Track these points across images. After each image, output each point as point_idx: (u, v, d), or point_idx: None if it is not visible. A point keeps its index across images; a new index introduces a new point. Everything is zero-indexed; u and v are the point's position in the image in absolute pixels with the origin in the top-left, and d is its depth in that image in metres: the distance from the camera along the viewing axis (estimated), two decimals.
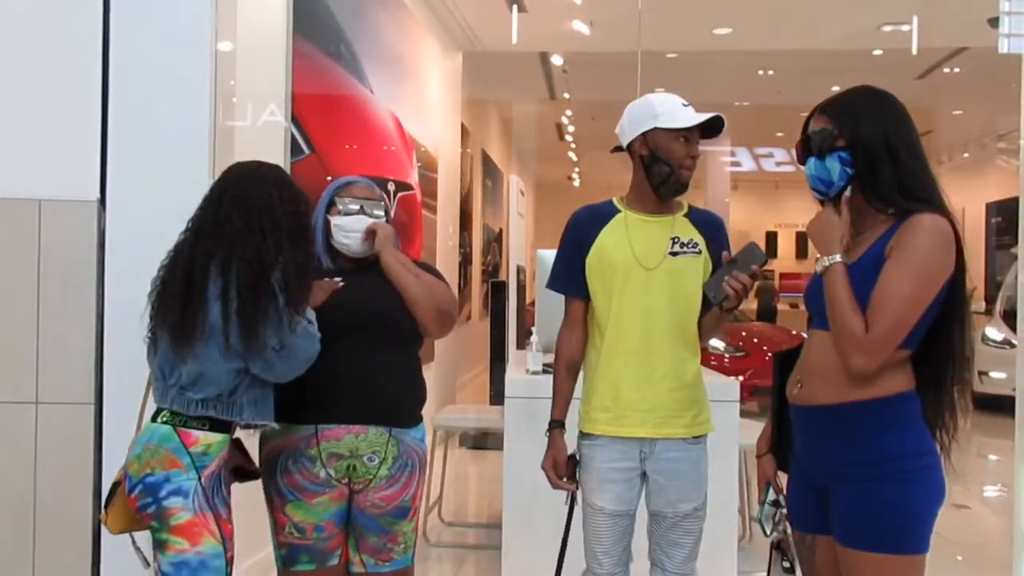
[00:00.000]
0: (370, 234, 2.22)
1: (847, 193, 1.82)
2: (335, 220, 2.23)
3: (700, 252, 2.23)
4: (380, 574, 2.19)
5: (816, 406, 1.81)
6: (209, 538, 1.91)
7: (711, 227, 2.28)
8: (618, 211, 2.27)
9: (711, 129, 2.20)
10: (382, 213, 2.28)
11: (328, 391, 2.10)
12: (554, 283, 2.35)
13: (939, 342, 1.76)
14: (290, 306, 1.93)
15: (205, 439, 1.94)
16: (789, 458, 1.98)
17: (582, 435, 2.28)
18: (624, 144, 2.25)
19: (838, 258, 1.76)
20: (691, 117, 2.18)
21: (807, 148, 1.86)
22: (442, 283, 2.25)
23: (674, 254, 2.21)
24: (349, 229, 2.22)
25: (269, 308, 1.91)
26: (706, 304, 2.19)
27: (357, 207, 2.23)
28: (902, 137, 1.79)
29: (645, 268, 2.19)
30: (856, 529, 1.74)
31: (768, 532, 2.06)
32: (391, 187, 5.13)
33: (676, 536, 2.23)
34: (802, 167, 1.90)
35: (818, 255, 1.80)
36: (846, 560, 1.76)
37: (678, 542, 2.23)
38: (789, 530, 2.00)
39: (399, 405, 2.17)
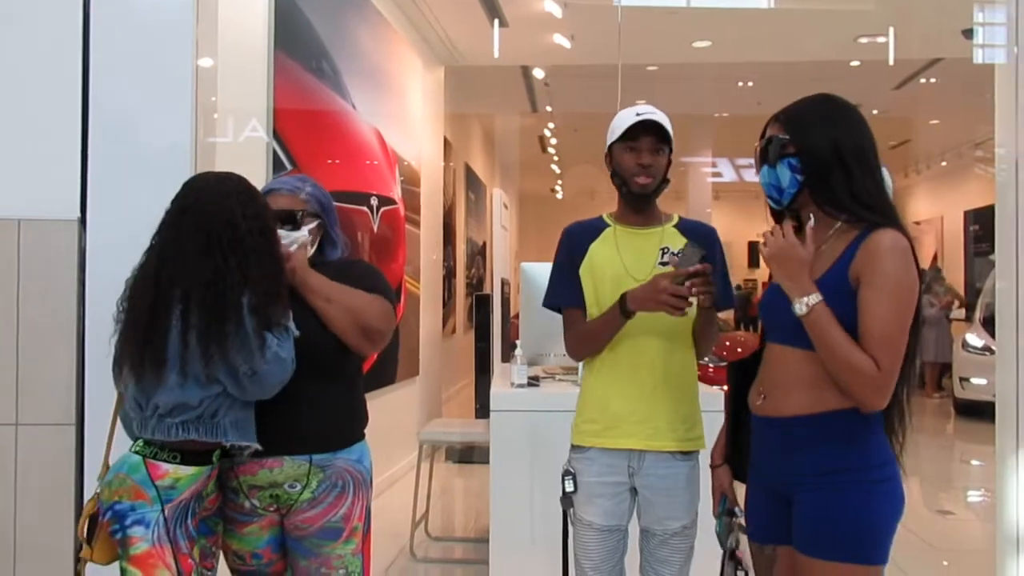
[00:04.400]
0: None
1: (810, 224, 1.79)
2: None
3: None
4: None
5: (780, 417, 1.81)
6: (164, 571, 1.89)
7: (699, 237, 2.23)
8: (607, 225, 2.28)
9: (663, 131, 2.17)
10: (291, 231, 2.08)
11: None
12: (552, 298, 2.30)
13: None
14: (261, 328, 1.88)
15: (175, 472, 1.91)
16: (744, 468, 1.97)
17: (573, 448, 2.26)
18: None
19: (818, 297, 1.71)
20: (623, 128, 2.18)
21: (762, 156, 1.88)
22: (365, 296, 2.09)
23: (664, 264, 2.19)
24: None
25: (230, 332, 1.85)
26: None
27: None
28: (851, 144, 1.79)
29: (635, 279, 2.17)
30: (817, 537, 1.74)
31: (725, 543, 2.05)
32: (374, 202, 5.13)
33: (664, 554, 2.20)
34: None
35: (792, 299, 1.73)
36: (805, 569, 1.75)
37: (666, 560, 2.20)
38: (743, 541, 1.99)
39: (322, 433, 2.06)
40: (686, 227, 2.28)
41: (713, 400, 3.36)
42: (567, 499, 2.22)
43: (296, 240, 2.08)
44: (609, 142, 2.23)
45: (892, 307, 1.69)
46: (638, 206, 2.23)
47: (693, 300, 2.04)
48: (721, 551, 2.08)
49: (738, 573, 2.01)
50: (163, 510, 1.90)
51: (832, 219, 1.81)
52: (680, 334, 2.21)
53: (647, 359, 2.18)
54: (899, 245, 1.72)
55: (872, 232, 1.73)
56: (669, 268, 2.12)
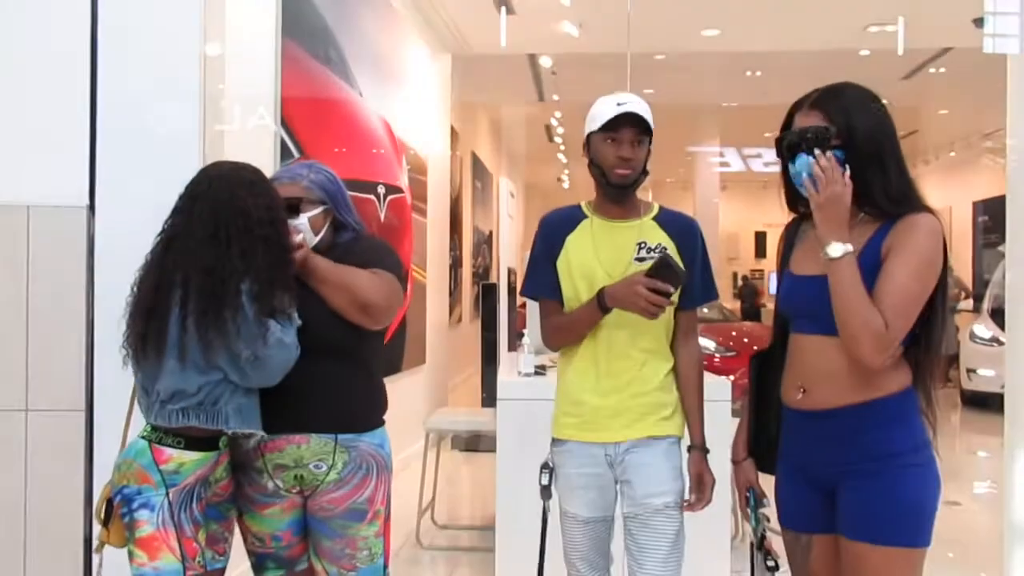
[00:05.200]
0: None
1: (846, 175, 1.74)
2: None
3: None
4: None
5: (827, 409, 1.80)
6: (168, 554, 1.90)
7: (681, 228, 2.20)
8: (585, 216, 2.22)
9: (645, 121, 2.11)
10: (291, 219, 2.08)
11: (268, 402, 2.04)
12: (529, 289, 2.29)
13: (923, 339, 1.79)
14: (262, 315, 1.89)
15: (179, 457, 1.92)
16: (769, 460, 1.96)
17: (554, 441, 2.23)
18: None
19: (851, 247, 1.71)
20: (603, 119, 2.11)
21: (796, 143, 1.80)
22: (361, 273, 2.08)
23: (640, 259, 2.13)
24: None
25: (228, 319, 1.87)
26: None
27: None
28: (888, 140, 1.78)
29: (609, 276, 2.12)
30: (869, 523, 1.74)
31: (757, 535, 2.03)
32: (381, 190, 5.13)
33: (645, 538, 2.10)
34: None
35: (825, 245, 1.72)
36: (858, 555, 1.76)
37: (647, 545, 2.10)
38: (766, 532, 1.99)
39: (345, 412, 2.10)
40: (666, 219, 2.21)
41: (719, 390, 3.38)
42: (545, 491, 2.19)
43: (298, 227, 2.09)
44: (588, 131, 2.17)
45: (913, 277, 1.71)
46: (616, 198, 2.18)
47: (672, 303, 2.05)
48: (728, 538, 2.07)
49: (768, 563, 2.00)
50: (167, 494, 1.91)
51: (857, 209, 1.79)
52: (656, 330, 2.16)
53: (622, 350, 2.14)
54: (933, 226, 1.74)
55: (908, 214, 1.74)
56: (648, 264, 2.07)
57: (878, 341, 1.69)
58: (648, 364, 2.15)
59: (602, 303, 2.09)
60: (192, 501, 1.94)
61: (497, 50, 7.11)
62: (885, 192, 1.76)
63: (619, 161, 2.12)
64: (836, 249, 1.71)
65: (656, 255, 2.11)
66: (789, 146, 1.82)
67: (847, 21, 6.88)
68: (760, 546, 2.02)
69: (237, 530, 2.13)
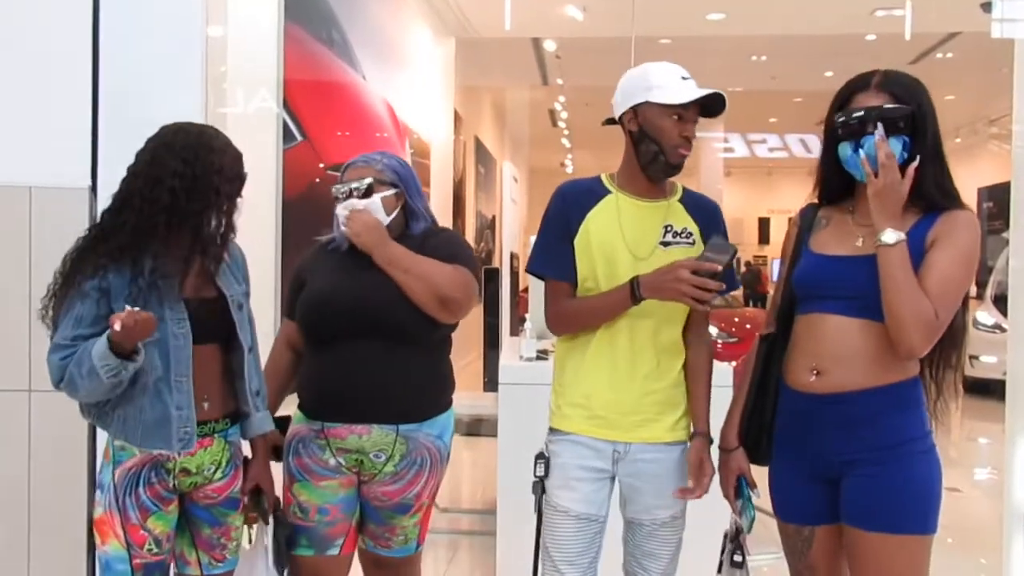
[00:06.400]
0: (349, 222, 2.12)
1: (913, 165, 1.72)
2: (336, 209, 2.18)
3: (693, 243, 2.04)
4: (379, 555, 2.23)
5: (842, 392, 1.78)
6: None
7: (706, 214, 2.08)
8: (607, 191, 2.05)
9: (711, 107, 1.98)
10: (361, 199, 2.13)
11: (332, 391, 2.10)
12: (537, 265, 2.09)
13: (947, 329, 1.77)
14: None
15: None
16: (763, 449, 1.91)
17: (553, 431, 2.08)
18: (617, 115, 2.04)
19: (904, 235, 1.71)
20: (688, 92, 1.95)
21: (862, 123, 1.74)
22: (442, 266, 2.11)
23: (666, 244, 2.01)
24: (340, 219, 2.16)
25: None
26: None
27: (345, 192, 2.16)
28: (938, 129, 1.80)
29: (636, 257, 1.99)
30: (880, 511, 1.74)
31: (749, 528, 1.99)
32: None
33: (652, 547, 2.05)
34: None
35: (879, 231, 1.71)
36: (865, 544, 1.74)
37: (654, 553, 2.05)
38: (746, 525, 1.97)
39: (406, 403, 2.12)
40: (690, 201, 2.08)
41: (722, 376, 3.35)
42: (539, 485, 2.05)
43: (361, 207, 2.11)
44: (643, 99, 1.97)
45: (959, 270, 1.73)
46: (657, 177, 2.02)
47: (721, 286, 1.89)
48: (724, 527, 2.05)
49: (735, 557, 1.97)
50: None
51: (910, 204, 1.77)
52: (676, 316, 2.03)
53: (643, 342, 2.00)
54: (975, 223, 1.78)
55: (952, 209, 1.77)
56: (674, 249, 1.99)
57: (928, 328, 1.69)
58: (665, 358, 2.04)
59: (636, 292, 1.92)
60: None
61: (501, 33, 7.07)
62: (937, 184, 1.77)
63: (684, 141, 1.98)
64: (890, 236, 1.71)
65: (681, 240, 2.02)
66: (859, 123, 1.75)
67: (854, 5, 6.83)
68: (734, 538, 1.99)
69: (246, 534, 2.08)
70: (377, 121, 5.12)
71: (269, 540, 2.05)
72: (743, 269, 17.27)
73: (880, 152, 1.72)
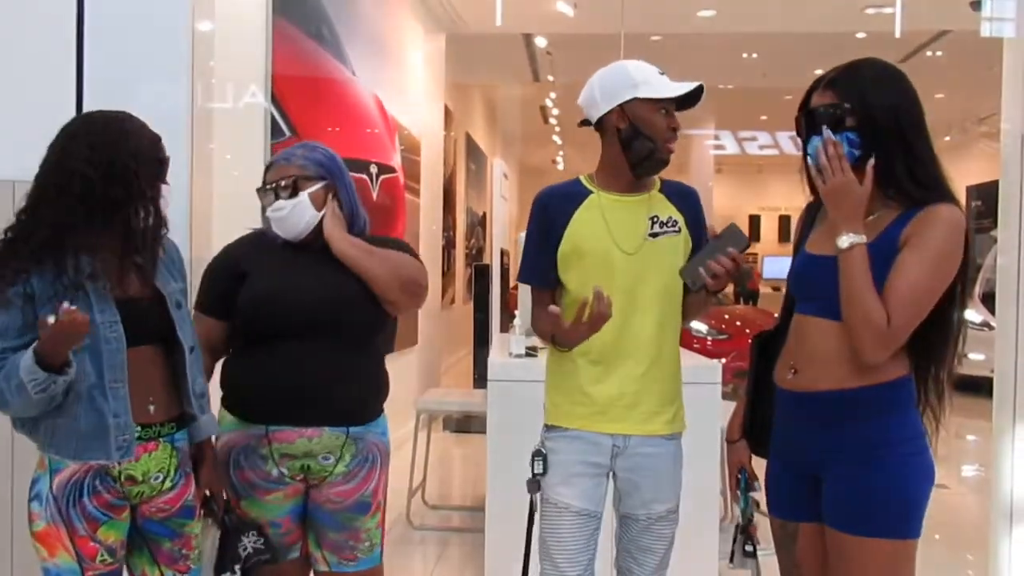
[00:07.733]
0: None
1: (871, 163, 1.68)
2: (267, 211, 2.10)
3: (679, 230, 2.05)
4: (345, 574, 2.10)
5: (815, 391, 1.76)
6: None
7: (687, 200, 2.10)
8: (589, 192, 2.06)
9: (686, 100, 2.00)
10: (288, 200, 2.04)
11: (278, 392, 2.01)
12: (527, 275, 2.14)
13: (935, 328, 1.73)
14: None
15: None
16: (763, 443, 1.93)
17: (550, 428, 2.08)
18: (596, 116, 2.03)
19: (864, 239, 1.66)
20: (674, 87, 1.98)
21: (811, 124, 1.73)
22: (401, 254, 2.11)
23: (654, 235, 2.02)
24: (274, 219, 2.08)
25: None
26: (687, 287, 2.03)
27: (271, 194, 2.08)
28: (912, 117, 1.71)
29: (625, 253, 2.00)
30: (853, 513, 1.71)
31: (743, 518, 2.02)
32: (373, 170, 5.10)
33: (647, 541, 2.06)
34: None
35: (836, 234, 1.68)
36: (841, 546, 1.73)
37: (649, 547, 2.06)
38: (754, 516, 1.99)
39: (356, 404, 2.08)
40: (671, 191, 2.10)
41: (710, 372, 3.38)
42: (534, 483, 2.05)
43: (290, 206, 2.04)
44: (630, 96, 1.97)
45: (926, 273, 1.65)
46: (648, 172, 2.04)
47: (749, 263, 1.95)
48: (718, 520, 2.07)
49: (746, 547, 1.99)
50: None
51: (882, 192, 1.73)
52: (672, 310, 2.07)
53: (637, 339, 2.01)
54: (955, 219, 1.68)
55: (931, 204, 1.68)
56: (662, 239, 2.01)
57: (877, 337, 1.65)
58: (664, 350, 2.05)
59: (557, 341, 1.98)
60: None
61: (492, 29, 7.04)
62: (911, 174, 1.69)
63: (673, 134, 2.00)
64: (844, 240, 1.67)
65: (668, 230, 2.03)
66: (806, 125, 1.75)
67: (844, 3, 6.84)
68: (744, 529, 2.01)
69: (209, 543, 2.01)
70: (367, 117, 5.10)
71: (215, 548, 1.97)
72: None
73: (820, 155, 1.68)
